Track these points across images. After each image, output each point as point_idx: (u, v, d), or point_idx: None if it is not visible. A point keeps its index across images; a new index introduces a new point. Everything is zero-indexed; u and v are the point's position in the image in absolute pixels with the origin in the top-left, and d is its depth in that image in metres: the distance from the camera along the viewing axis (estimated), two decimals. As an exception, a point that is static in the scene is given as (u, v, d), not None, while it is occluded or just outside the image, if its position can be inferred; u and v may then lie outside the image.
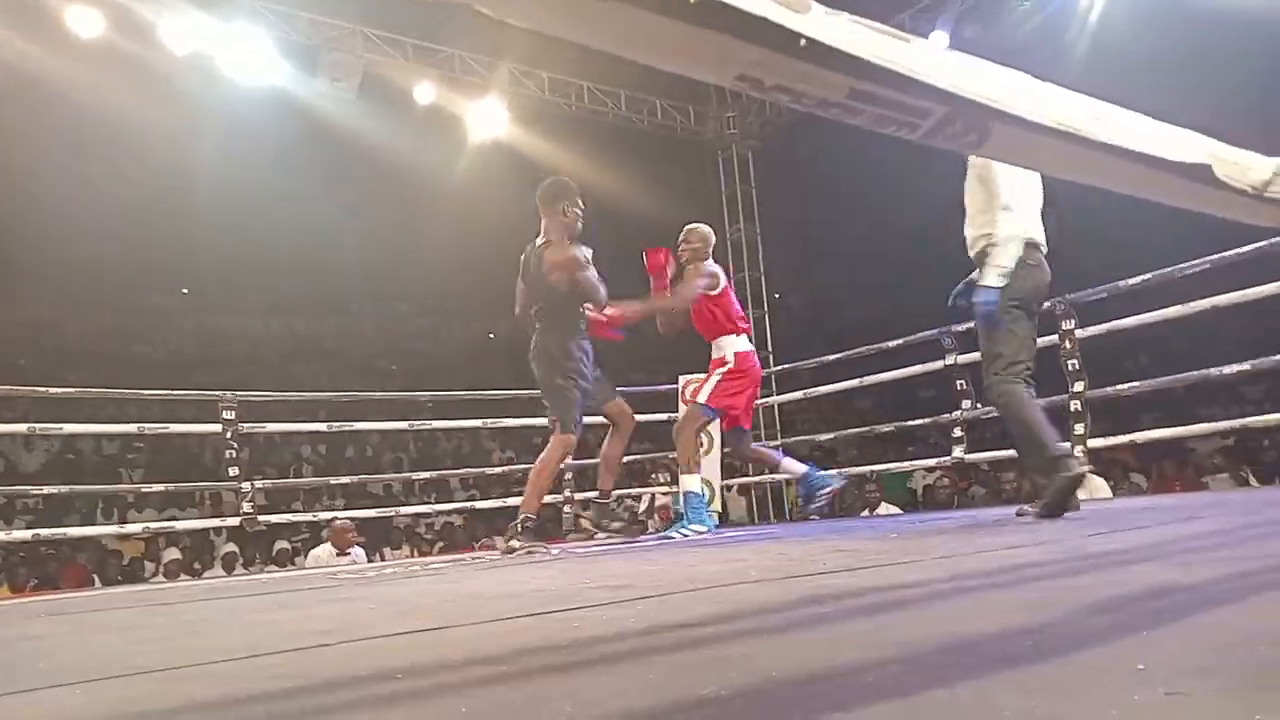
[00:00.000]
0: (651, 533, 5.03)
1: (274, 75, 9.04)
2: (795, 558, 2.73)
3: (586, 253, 4.32)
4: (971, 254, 3.47)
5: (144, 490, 9.34)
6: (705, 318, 4.82)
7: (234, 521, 5.88)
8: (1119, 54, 8.75)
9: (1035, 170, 2.67)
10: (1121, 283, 4.93)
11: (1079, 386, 4.92)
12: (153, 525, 7.96)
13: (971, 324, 5.22)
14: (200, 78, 9.21)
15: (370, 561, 7.04)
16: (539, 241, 4.40)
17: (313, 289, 17.45)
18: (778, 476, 10.07)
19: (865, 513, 7.32)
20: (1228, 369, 4.70)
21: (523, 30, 0.85)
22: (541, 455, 4.39)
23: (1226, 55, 9.44)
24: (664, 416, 7.01)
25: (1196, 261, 4.60)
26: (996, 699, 0.81)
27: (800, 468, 4.97)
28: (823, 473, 4.97)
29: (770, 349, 11.37)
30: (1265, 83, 9.87)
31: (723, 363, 4.75)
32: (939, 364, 5.80)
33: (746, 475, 10.14)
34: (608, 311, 4.43)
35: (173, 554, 8.92)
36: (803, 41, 0.84)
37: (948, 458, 5.99)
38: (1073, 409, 4.93)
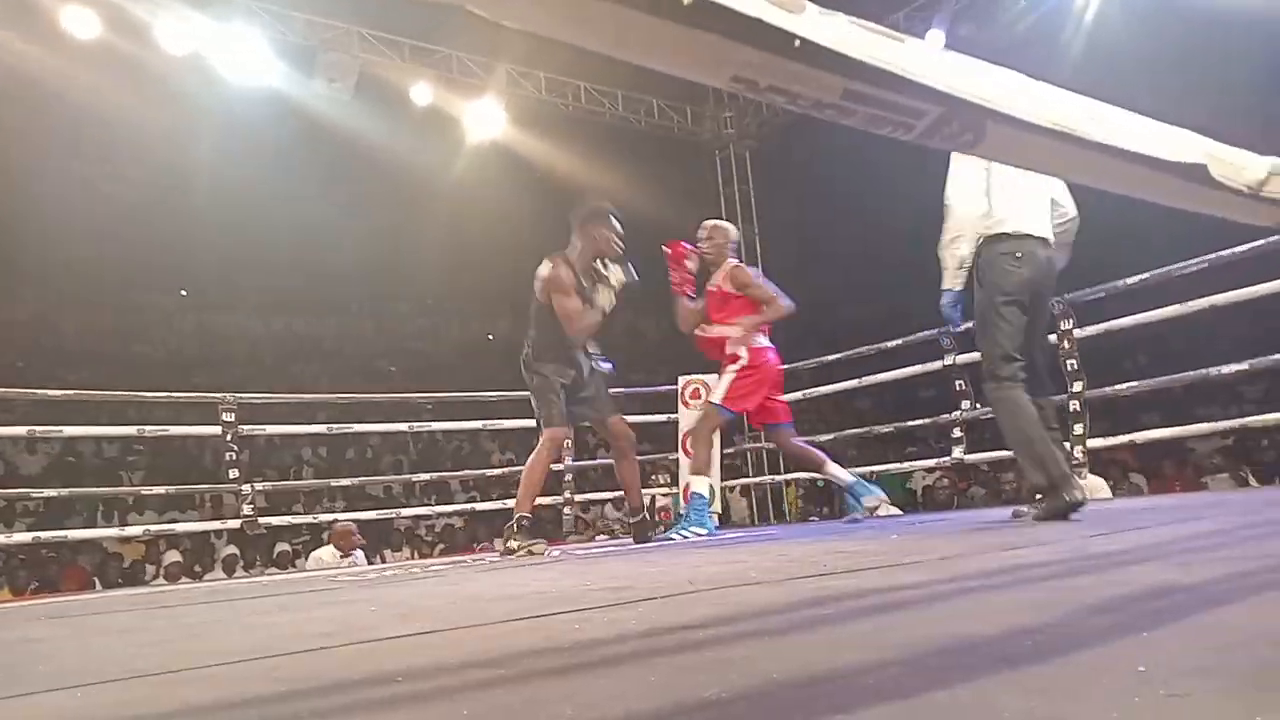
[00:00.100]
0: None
1: (270, 76, 9.05)
2: (796, 559, 2.73)
3: (619, 275, 4.33)
4: None
5: (144, 493, 9.33)
6: (723, 312, 4.79)
7: (235, 524, 5.88)
8: (1114, 53, 8.76)
9: (1031, 170, 2.66)
10: (1120, 282, 4.94)
11: (1078, 386, 4.92)
12: (153, 528, 7.95)
13: (970, 324, 5.24)
14: (197, 78, 9.22)
15: (371, 563, 7.04)
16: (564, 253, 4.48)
17: (311, 289, 17.46)
18: (779, 478, 10.11)
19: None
20: (1226, 369, 4.70)
21: (519, 31, 0.85)
22: (532, 454, 4.41)
23: (1223, 54, 9.45)
24: (663, 418, 7.02)
25: (1194, 261, 4.60)
26: (997, 700, 0.80)
27: (847, 477, 4.82)
28: (869, 484, 4.82)
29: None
30: (1263, 82, 9.87)
31: (735, 359, 4.68)
32: (938, 364, 5.80)
33: (747, 476, 10.16)
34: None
35: (173, 556, 8.92)
36: (797, 42, 0.84)
37: (947, 458, 5.99)
38: (1072, 409, 4.94)
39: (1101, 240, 3.49)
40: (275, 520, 7.03)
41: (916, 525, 4.13)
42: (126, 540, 9.45)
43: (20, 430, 5.63)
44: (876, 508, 4.65)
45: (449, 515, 9.93)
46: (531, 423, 6.73)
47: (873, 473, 7.33)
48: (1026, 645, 1.04)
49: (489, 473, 8.91)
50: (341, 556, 6.69)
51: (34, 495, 7.47)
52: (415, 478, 9.89)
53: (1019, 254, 3.34)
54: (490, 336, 19.05)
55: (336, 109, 9.75)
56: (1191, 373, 4.89)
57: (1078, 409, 4.91)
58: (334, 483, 8.65)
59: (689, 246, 4.87)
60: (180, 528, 7.96)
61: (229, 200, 14.23)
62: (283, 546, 9.58)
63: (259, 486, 6.03)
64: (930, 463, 6.91)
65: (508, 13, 0.80)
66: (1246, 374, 4.82)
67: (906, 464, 7.98)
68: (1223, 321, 4.89)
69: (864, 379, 6.55)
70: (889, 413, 7.75)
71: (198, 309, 17.41)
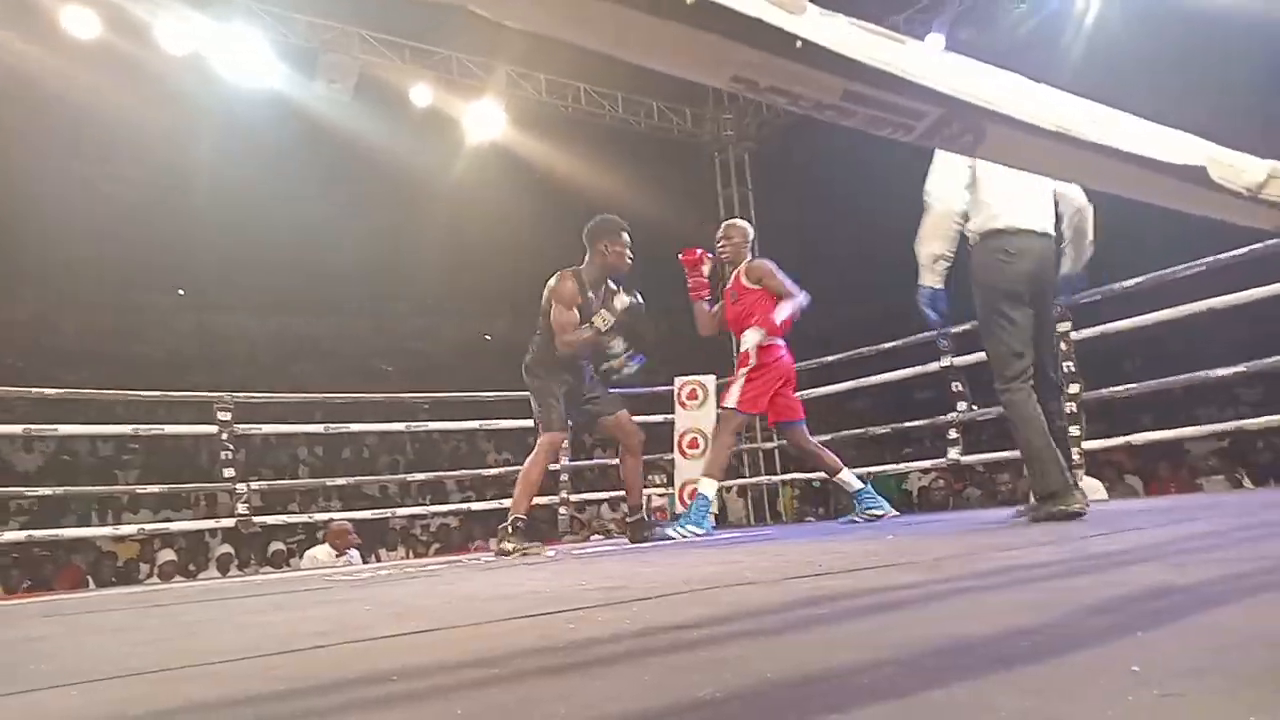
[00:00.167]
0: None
1: (271, 77, 9.04)
2: (791, 559, 2.73)
3: (623, 302, 4.35)
4: None
5: (139, 491, 9.32)
6: (741, 312, 4.78)
7: (229, 523, 5.87)
8: (1115, 56, 8.77)
9: (1030, 171, 2.65)
10: (1117, 285, 4.94)
11: (1074, 388, 4.92)
12: (148, 527, 7.93)
13: (967, 325, 5.24)
14: (197, 79, 9.21)
15: (366, 563, 7.03)
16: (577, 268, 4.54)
17: (311, 289, 17.45)
18: (776, 478, 10.11)
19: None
20: (1223, 371, 4.70)
21: (519, 32, 0.85)
22: (530, 456, 4.43)
23: (1224, 56, 9.45)
24: (659, 418, 7.01)
25: (1192, 263, 4.61)
26: (993, 700, 0.80)
27: (857, 484, 4.80)
28: (877, 498, 4.79)
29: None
30: (1263, 83, 9.88)
31: (745, 360, 4.68)
32: (935, 366, 5.80)
33: (744, 476, 10.16)
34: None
35: (168, 555, 8.90)
36: (798, 43, 0.84)
37: (943, 459, 5.99)
38: (1068, 410, 4.94)
39: (1099, 242, 3.47)
40: (270, 519, 7.02)
41: (912, 526, 4.13)
42: (121, 539, 9.43)
43: (16, 429, 5.61)
44: (880, 518, 4.64)
45: (444, 515, 9.93)
46: (528, 423, 6.75)
47: (869, 474, 7.36)
48: (1023, 646, 1.04)
49: (485, 472, 8.91)
50: (337, 555, 6.69)
51: (28, 494, 7.45)
52: (411, 477, 9.89)
53: (1010, 249, 3.30)
54: (488, 337, 19.03)
55: (336, 110, 9.75)
56: (1188, 375, 4.89)
57: (1074, 410, 4.91)
58: (329, 482, 8.65)
59: (703, 252, 4.89)
60: (175, 526, 7.95)
61: (229, 201, 14.22)
62: (277, 546, 9.56)
63: (254, 486, 6.03)
64: (926, 464, 6.91)
65: (509, 12, 0.81)
66: (1243, 376, 4.83)
67: (903, 465, 7.98)
68: (1220, 324, 4.89)
69: (862, 380, 6.55)
70: (886, 414, 7.75)
71: (197, 309, 17.41)
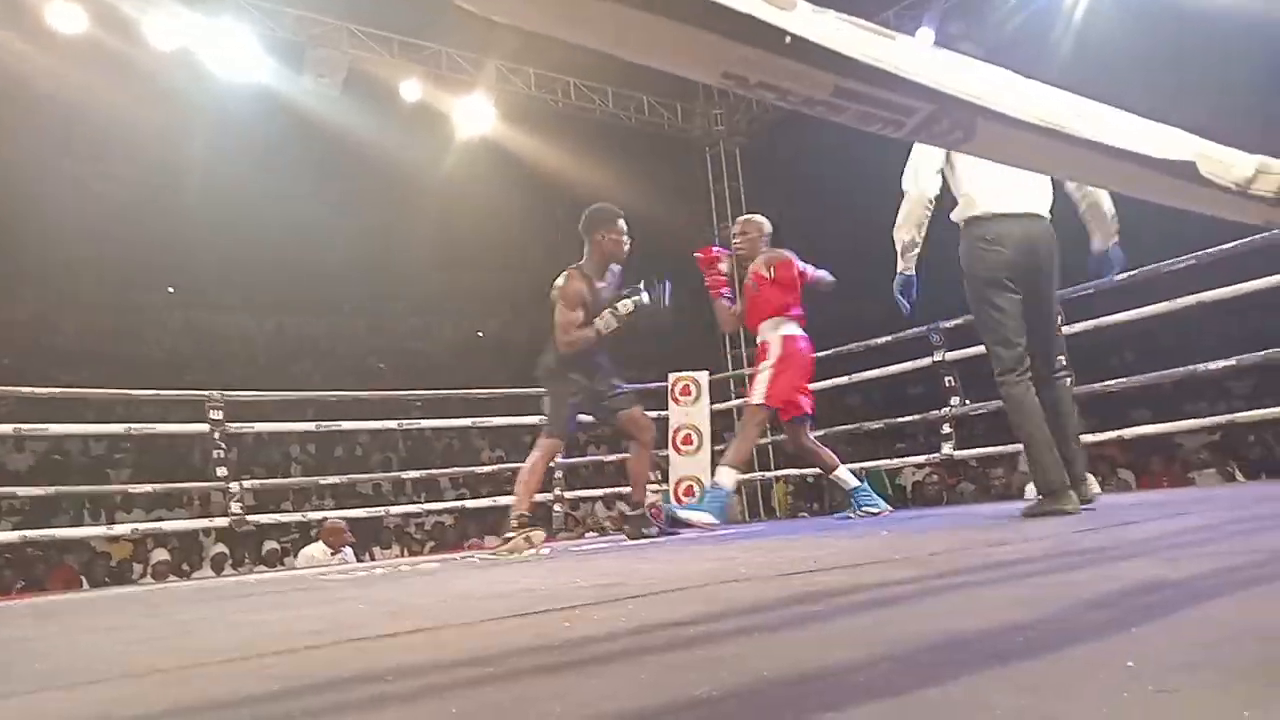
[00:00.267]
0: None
1: (259, 72, 9.00)
2: (786, 555, 2.73)
3: (628, 307, 4.35)
4: None
5: (132, 491, 9.29)
6: (759, 305, 4.76)
7: (223, 522, 5.86)
8: (1107, 51, 8.77)
9: (1021, 167, 2.64)
10: (1108, 278, 4.94)
11: (1066, 382, 4.92)
12: (141, 526, 7.90)
13: (960, 319, 5.25)
14: (185, 74, 9.17)
15: (360, 561, 7.02)
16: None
17: (304, 287, 17.42)
18: (770, 474, 10.11)
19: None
20: (1214, 365, 4.72)
21: (509, 26, 0.85)
22: (529, 458, 4.45)
23: (1220, 53, 9.46)
24: (653, 414, 7.01)
25: (1183, 258, 4.62)
26: (988, 697, 0.81)
27: (854, 482, 4.78)
28: (874, 496, 4.77)
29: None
30: (1263, 82, 9.90)
31: (765, 353, 4.66)
32: (928, 361, 5.81)
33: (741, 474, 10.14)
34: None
35: (161, 555, 8.88)
36: (788, 39, 0.83)
37: (937, 454, 6.01)
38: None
39: (1085, 240, 3.46)
40: (264, 518, 7.01)
41: (906, 521, 4.14)
42: (114, 539, 9.40)
43: (6, 428, 5.59)
44: (876, 515, 4.64)
45: (439, 513, 9.91)
46: (521, 419, 6.78)
47: (863, 469, 7.37)
48: (1017, 642, 1.05)
49: (479, 470, 8.90)
50: (331, 553, 6.68)
51: (20, 494, 7.41)
52: (404, 475, 9.87)
53: (988, 236, 3.27)
54: (480, 335, 19.03)
55: (326, 105, 9.71)
56: (1180, 369, 4.90)
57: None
58: (322, 480, 8.62)
59: (719, 249, 4.88)
60: (168, 526, 7.92)
61: (221, 198, 14.19)
62: (271, 544, 9.55)
63: (247, 484, 6.01)
64: (920, 459, 6.93)
65: (497, 8, 0.80)
66: (1234, 370, 4.84)
67: (897, 460, 8.00)
68: (1211, 318, 4.91)
69: (854, 375, 6.55)
70: (879, 409, 7.77)
71: (190, 308, 17.37)
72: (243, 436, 6.14)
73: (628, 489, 4.84)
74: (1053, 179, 3.31)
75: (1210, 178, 1.11)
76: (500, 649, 1.36)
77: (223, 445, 5.61)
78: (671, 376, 6.87)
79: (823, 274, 4.75)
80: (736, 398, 8.57)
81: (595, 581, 2.36)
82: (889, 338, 6.10)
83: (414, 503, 10.00)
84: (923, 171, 3.35)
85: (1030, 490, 4.07)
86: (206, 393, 5.65)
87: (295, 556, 7.81)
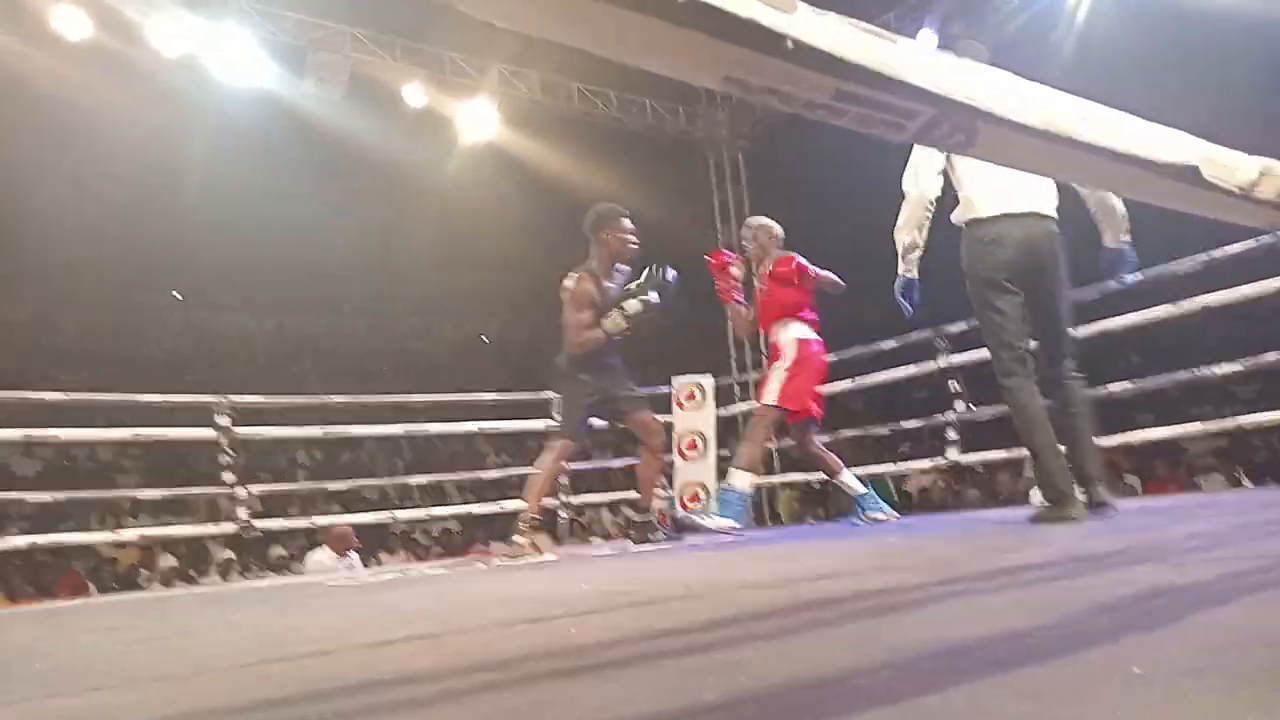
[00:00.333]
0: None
1: (262, 76, 9.03)
2: (791, 562, 2.73)
3: (635, 307, 4.34)
4: None
5: (139, 497, 9.30)
6: (770, 306, 4.75)
7: (230, 528, 5.85)
8: (1109, 53, 8.76)
9: (1023, 170, 2.63)
10: (1113, 282, 4.92)
11: (1076, 384, 4.89)
12: (149, 532, 7.91)
13: (964, 324, 5.23)
14: (188, 78, 9.19)
15: (366, 566, 7.02)
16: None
17: (307, 289, 17.46)
18: (774, 479, 10.09)
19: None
20: (1221, 369, 4.69)
21: (512, 30, 0.85)
22: (541, 460, 4.47)
23: (1223, 56, 9.45)
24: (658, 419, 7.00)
25: (1187, 260, 4.60)
26: (990, 704, 0.80)
27: (860, 488, 4.74)
28: (879, 502, 4.74)
29: (765, 351, 11.40)
30: (1264, 83, 9.87)
31: (777, 354, 4.64)
32: (933, 365, 5.79)
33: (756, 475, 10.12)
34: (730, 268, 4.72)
35: (168, 561, 8.90)
36: (789, 43, 0.83)
37: (942, 459, 5.98)
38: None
39: (1094, 241, 3.42)
40: (272, 524, 7.00)
41: (911, 527, 4.13)
42: (122, 545, 9.41)
43: (16, 433, 5.59)
44: (882, 522, 4.62)
45: (445, 518, 9.90)
46: (527, 425, 6.77)
47: (868, 474, 7.34)
48: (1021, 648, 1.04)
49: (485, 474, 8.89)
50: (338, 558, 6.69)
51: (29, 500, 7.42)
52: (411, 480, 9.87)
53: (986, 238, 3.24)
54: (485, 339, 19.04)
55: (328, 109, 9.73)
56: (1185, 373, 4.88)
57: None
58: (330, 486, 8.63)
59: (730, 254, 4.87)
60: (176, 532, 7.93)
61: (221, 199, 14.22)
62: (278, 550, 9.56)
63: (255, 490, 6.01)
64: (925, 463, 6.90)
65: (497, 12, 0.80)
66: (1240, 374, 4.81)
67: (901, 465, 7.97)
68: (1216, 321, 4.89)
69: (859, 380, 6.52)
70: (883, 414, 7.74)
71: (192, 309, 17.41)
72: (248, 442, 6.14)
73: (635, 494, 4.83)
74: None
75: (1214, 181, 1.11)
76: (509, 654, 1.36)
77: (230, 452, 5.62)
78: (676, 381, 6.85)
79: (828, 274, 4.73)
80: (742, 402, 8.57)
81: (601, 588, 2.36)
82: (894, 342, 6.08)
83: (420, 508, 10.00)
84: (923, 173, 3.32)
85: (1035, 496, 4.05)
86: (214, 398, 5.65)
87: (302, 562, 7.82)
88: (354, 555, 6.85)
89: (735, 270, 4.82)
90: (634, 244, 4.49)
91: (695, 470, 6.70)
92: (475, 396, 6.77)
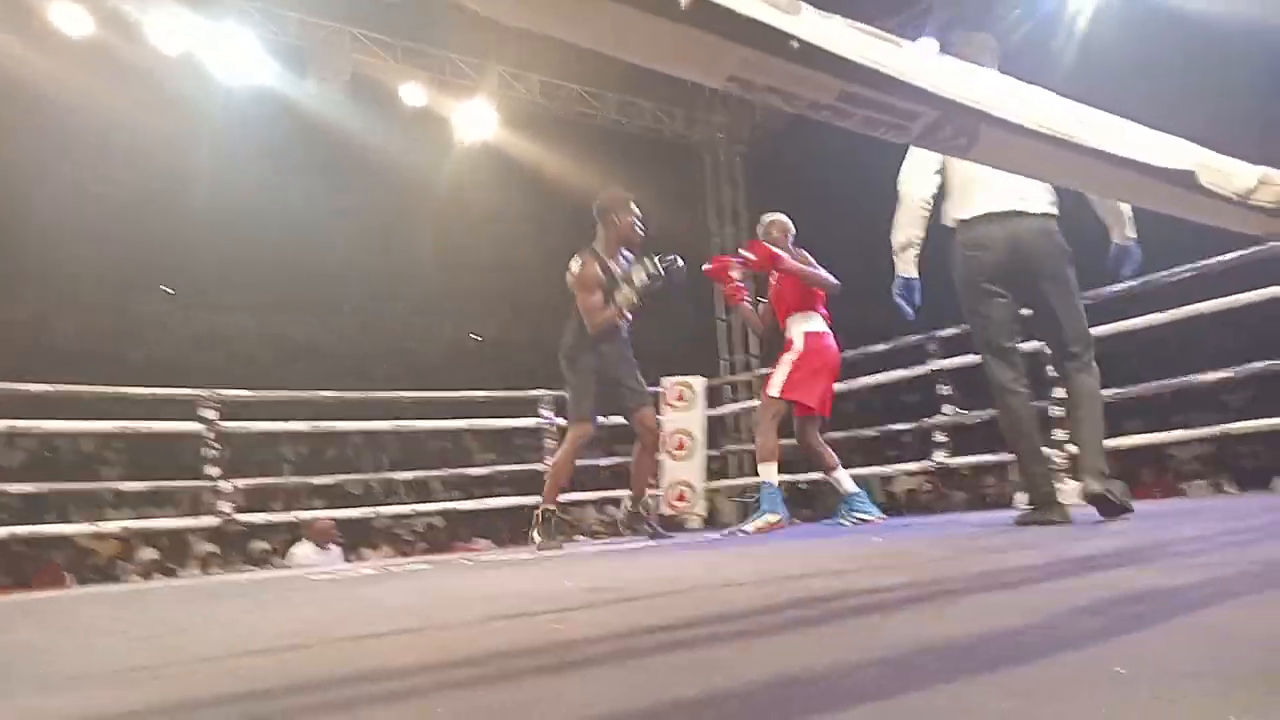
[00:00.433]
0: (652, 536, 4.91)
1: (262, 75, 9.00)
2: (776, 561, 2.73)
3: (641, 276, 4.35)
4: None
5: (121, 489, 9.25)
6: (782, 300, 4.75)
7: (213, 521, 5.82)
8: (1111, 61, 8.78)
9: (1023, 174, 2.62)
10: (1105, 289, 4.94)
11: (1060, 393, 4.91)
12: (130, 524, 7.86)
13: (956, 329, 5.24)
14: (188, 77, 9.15)
15: (349, 561, 7.00)
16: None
17: (305, 289, 17.39)
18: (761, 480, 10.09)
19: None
20: (1211, 375, 4.71)
21: (512, 32, 0.85)
22: (559, 449, 4.53)
23: (1222, 61, 9.49)
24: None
25: (1181, 268, 4.62)
26: (975, 702, 0.80)
27: (851, 486, 4.75)
28: (868, 503, 4.76)
29: (756, 352, 11.44)
30: (1263, 88, 9.91)
31: (789, 348, 4.64)
32: (924, 369, 5.81)
33: (729, 478, 10.15)
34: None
35: (149, 554, 8.84)
36: (794, 43, 0.83)
37: (930, 462, 6.00)
38: (1054, 414, 4.95)
39: (1087, 247, 3.41)
40: (255, 518, 6.97)
41: (898, 529, 4.13)
42: (102, 537, 9.35)
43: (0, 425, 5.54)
44: (868, 523, 4.63)
45: (431, 514, 9.87)
46: (515, 422, 6.76)
47: (856, 476, 7.35)
48: (1007, 647, 1.04)
49: (470, 471, 8.88)
50: (321, 551, 6.68)
51: (10, 490, 7.35)
52: (396, 475, 9.83)
53: (970, 243, 3.22)
54: (480, 338, 19.02)
55: (328, 109, 9.71)
56: (1175, 380, 4.90)
57: (1062, 415, 4.91)
58: (315, 481, 8.58)
59: (727, 259, 4.88)
60: (159, 524, 7.88)
61: (222, 201, 14.17)
62: (260, 544, 9.52)
63: (239, 484, 5.97)
64: (913, 466, 6.92)
65: (502, 9, 0.80)
66: (1229, 382, 4.83)
67: (889, 467, 7.98)
68: (1205, 329, 4.91)
69: (851, 382, 6.52)
70: (873, 416, 7.75)
71: (191, 309, 17.34)
72: (234, 436, 6.11)
73: (621, 492, 4.84)
74: None
75: (1211, 187, 1.11)
76: (490, 650, 1.36)
77: (216, 445, 5.59)
78: (666, 381, 6.86)
79: (815, 271, 4.70)
80: (732, 403, 8.57)
81: (585, 585, 2.35)
82: (885, 345, 6.09)
83: (404, 504, 9.97)
84: (916, 172, 3.31)
85: (1020, 499, 4.06)
86: (198, 392, 5.62)
87: (283, 556, 7.79)
88: (334, 548, 6.83)
89: (735, 272, 4.82)
90: (641, 229, 4.52)
91: (683, 470, 6.71)
92: (463, 394, 6.75)
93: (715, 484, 8.81)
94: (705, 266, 4.91)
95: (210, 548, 9.07)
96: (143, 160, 13.52)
